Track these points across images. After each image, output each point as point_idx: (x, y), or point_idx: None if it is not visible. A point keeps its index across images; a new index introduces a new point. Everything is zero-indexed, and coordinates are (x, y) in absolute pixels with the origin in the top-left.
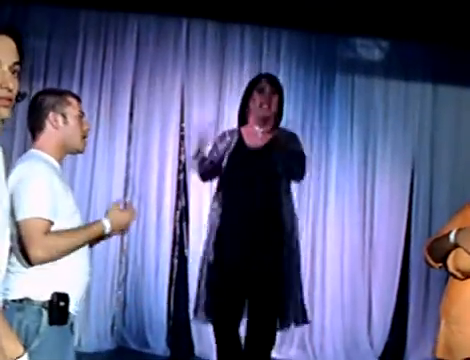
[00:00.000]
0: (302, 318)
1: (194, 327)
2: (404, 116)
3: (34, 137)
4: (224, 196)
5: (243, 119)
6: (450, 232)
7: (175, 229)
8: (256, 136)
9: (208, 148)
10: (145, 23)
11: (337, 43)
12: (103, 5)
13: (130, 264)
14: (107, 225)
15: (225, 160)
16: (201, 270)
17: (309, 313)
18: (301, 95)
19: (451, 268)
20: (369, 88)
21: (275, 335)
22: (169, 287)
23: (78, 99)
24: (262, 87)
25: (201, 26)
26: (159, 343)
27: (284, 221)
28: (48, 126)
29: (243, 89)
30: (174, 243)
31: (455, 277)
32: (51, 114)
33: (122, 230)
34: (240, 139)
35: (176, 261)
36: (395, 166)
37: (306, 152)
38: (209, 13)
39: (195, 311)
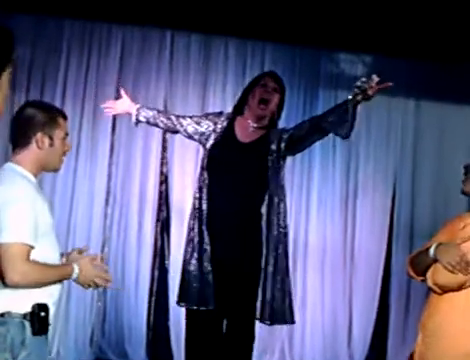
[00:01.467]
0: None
1: (173, 339)
2: (386, 131)
3: (14, 149)
4: (209, 186)
5: (239, 110)
6: (430, 246)
7: (156, 240)
8: (247, 130)
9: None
10: (129, 34)
11: (321, 58)
12: (87, 15)
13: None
14: (75, 272)
15: (210, 143)
16: (186, 257)
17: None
18: (284, 109)
19: (430, 283)
20: None
21: (254, 331)
22: (149, 299)
23: (66, 118)
24: (264, 84)
25: (185, 38)
26: (138, 354)
27: (271, 222)
28: (33, 145)
29: (226, 102)
30: (155, 254)
31: (434, 291)
32: (39, 134)
33: (89, 285)
34: (231, 128)
35: (157, 273)
36: (377, 181)
37: (288, 166)
38: (193, 25)
39: (179, 297)
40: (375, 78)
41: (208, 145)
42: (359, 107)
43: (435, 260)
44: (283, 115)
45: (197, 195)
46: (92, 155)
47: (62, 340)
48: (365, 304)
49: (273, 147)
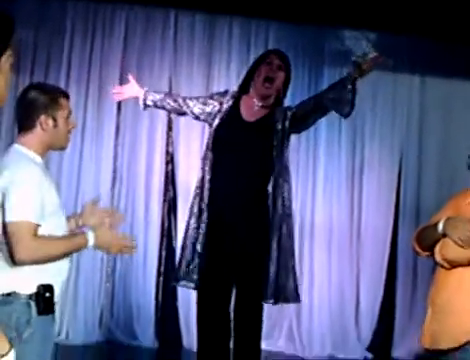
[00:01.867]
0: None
1: (182, 319)
2: (392, 107)
3: (20, 131)
4: (215, 163)
5: (245, 88)
6: (438, 221)
7: (163, 221)
8: (252, 109)
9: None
10: (133, 14)
11: (325, 35)
12: None
13: (118, 256)
14: (91, 240)
15: (217, 122)
16: (186, 235)
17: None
18: (289, 87)
19: (438, 258)
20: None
21: (262, 309)
22: (157, 279)
23: (68, 97)
24: (269, 62)
25: (189, 18)
26: (147, 335)
27: (276, 202)
28: (37, 127)
29: (231, 81)
30: (162, 235)
31: (442, 266)
32: (43, 117)
33: (108, 250)
34: (236, 107)
35: (164, 253)
36: (383, 157)
37: (294, 144)
38: (197, 4)
39: (183, 274)
40: (371, 53)
41: (214, 125)
42: (364, 84)
43: (444, 235)
44: (288, 94)
45: (201, 175)
46: (98, 136)
47: (71, 321)
48: (372, 281)
49: (278, 126)
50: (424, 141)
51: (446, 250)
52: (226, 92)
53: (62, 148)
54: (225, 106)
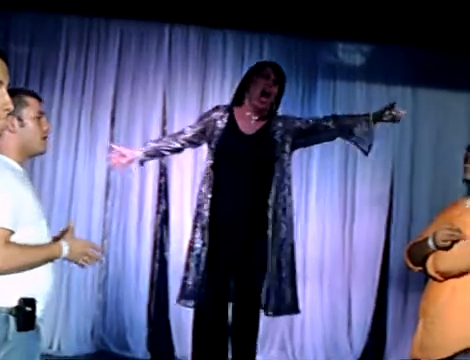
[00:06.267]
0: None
1: (174, 330)
2: None
3: None
4: (216, 180)
5: (239, 100)
6: (428, 238)
7: (156, 232)
8: (249, 122)
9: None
10: (127, 29)
11: (319, 48)
12: (85, 11)
13: (110, 267)
14: (65, 249)
15: (215, 139)
16: (190, 253)
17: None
18: (283, 99)
19: (431, 271)
20: (351, 92)
21: (258, 320)
22: (150, 290)
23: (38, 98)
24: (267, 76)
25: (183, 32)
26: (139, 346)
27: (276, 214)
28: (6, 131)
29: (225, 94)
30: (155, 246)
31: (434, 279)
32: (8, 118)
33: (84, 261)
34: (233, 121)
35: (157, 264)
36: (376, 169)
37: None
38: (191, 19)
39: (180, 295)
40: (394, 111)
41: (213, 142)
42: (357, 96)
43: (434, 250)
44: (281, 105)
45: (203, 193)
46: (91, 148)
47: (63, 333)
48: (364, 292)
49: (277, 137)
50: (416, 153)
51: (438, 262)
52: (217, 107)
53: (39, 152)
54: (220, 122)
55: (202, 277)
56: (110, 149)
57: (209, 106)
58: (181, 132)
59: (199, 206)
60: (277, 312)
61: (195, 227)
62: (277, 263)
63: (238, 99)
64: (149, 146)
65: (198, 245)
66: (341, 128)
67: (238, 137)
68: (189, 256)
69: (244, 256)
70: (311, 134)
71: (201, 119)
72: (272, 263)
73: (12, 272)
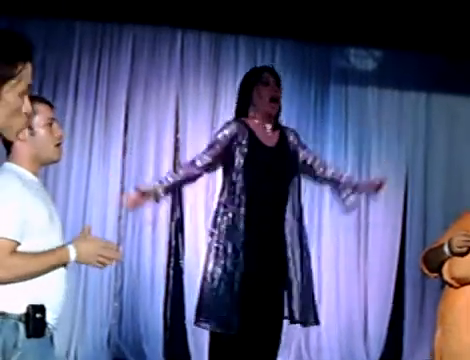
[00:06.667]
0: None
1: (191, 338)
2: (398, 125)
3: (7, 149)
4: (247, 197)
5: (244, 111)
6: (443, 244)
7: (170, 240)
8: (266, 133)
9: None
10: (140, 34)
11: (331, 53)
12: (98, 16)
13: (126, 276)
14: (72, 252)
15: (240, 156)
16: (210, 273)
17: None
18: (295, 105)
19: (446, 277)
20: (363, 98)
21: (281, 333)
22: (165, 298)
23: (49, 104)
24: (267, 82)
25: (195, 37)
26: (156, 354)
27: (293, 226)
28: (17, 140)
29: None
30: (169, 254)
31: (451, 285)
32: None
33: (100, 262)
34: (253, 135)
35: (172, 272)
36: (389, 174)
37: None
38: (203, 24)
39: (197, 317)
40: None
41: (238, 157)
42: (369, 101)
43: (450, 256)
44: (294, 112)
45: (232, 211)
46: (105, 155)
47: (79, 342)
48: (380, 300)
49: (293, 148)
50: (430, 158)
51: (454, 269)
52: (228, 124)
53: (52, 161)
54: (241, 137)
55: (237, 301)
56: (124, 195)
57: (221, 111)
58: (198, 159)
59: (229, 226)
60: (306, 323)
61: (226, 249)
62: (301, 274)
63: (243, 110)
64: (168, 182)
65: (231, 267)
66: (331, 183)
67: (263, 151)
68: (222, 278)
69: (269, 277)
70: (305, 168)
71: (218, 142)
72: (294, 275)
73: (20, 281)
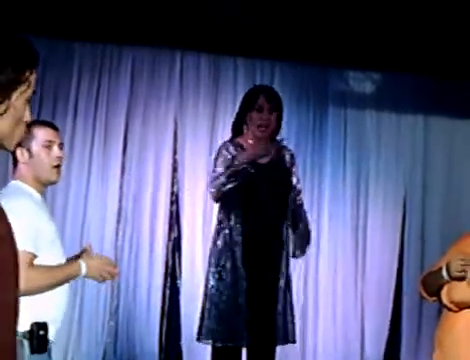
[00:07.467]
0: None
1: (186, 357)
2: (396, 147)
3: (15, 167)
4: (244, 215)
5: (239, 130)
6: (441, 268)
7: (167, 260)
8: (260, 151)
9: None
10: (139, 55)
11: (329, 75)
12: (97, 38)
13: (122, 295)
14: (83, 267)
15: (238, 174)
16: (209, 290)
17: (301, 344)
18: (294, 127)
19: (445, 301)
20: (361, 120)
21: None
22: (161, 318)
23: (51, 127)
24: (259, 109)
25: (195, 58)
26: None
27: (286, 242)
28: (19, 161)
29: None
30: (166, 274)
31: (449, 309)
32: (18, 150)
33: (103, 276)
34: (246, 153)
35: (168, 292)
36: (387, 197)
37: (298, 184)
38: (203, 45)
39: (199, 333)
40: None
41: (235, 176)
42: (368, 124)
43: (448, 281)
44: (293, 133)
45: (228, 229)
46: (103, 175)
47: (75, 359)
48: (377, 321)
49: (288, 165)
50: (428, 180)
51: (453, 293)
52: (224, 144)
53: (51, 182)
54: (240, 156)
55: (241, 316)
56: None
57: (220, 133)
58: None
59: (226, 245)
60: (289, 341)
61: (225, 266)
62: (284, 292)
63: (239, 129)
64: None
65: (232, 283)
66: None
67: (256, 168)
68: (222, 294)
69: (270, 292)
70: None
71: (222, 161)
72: (282, 294)
73: (38, 293)
